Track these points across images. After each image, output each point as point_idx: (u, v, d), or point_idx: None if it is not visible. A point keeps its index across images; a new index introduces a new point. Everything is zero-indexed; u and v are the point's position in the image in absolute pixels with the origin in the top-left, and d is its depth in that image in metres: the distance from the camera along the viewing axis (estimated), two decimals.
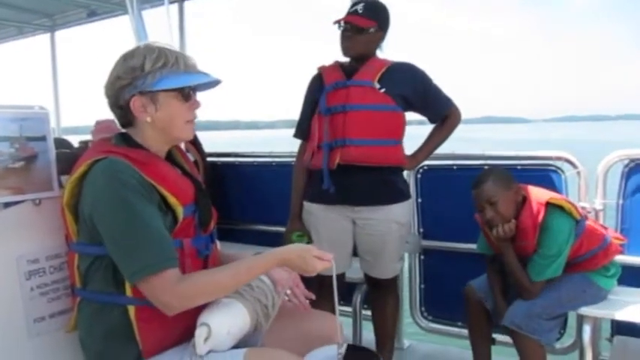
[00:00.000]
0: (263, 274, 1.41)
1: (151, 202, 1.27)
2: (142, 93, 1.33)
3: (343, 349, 1.40)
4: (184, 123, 1.40)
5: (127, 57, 1.36)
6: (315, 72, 2.29)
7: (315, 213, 2.24)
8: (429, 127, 2.34)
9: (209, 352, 1.32)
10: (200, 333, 1.29)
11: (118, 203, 1.24)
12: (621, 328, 2.27)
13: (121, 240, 1.25)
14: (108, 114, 1.46)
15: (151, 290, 1.24)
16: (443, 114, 2.24)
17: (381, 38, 2.19)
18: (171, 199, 1.32)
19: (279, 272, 1.52)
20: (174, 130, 1.39)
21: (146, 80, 1.32)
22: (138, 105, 1.34)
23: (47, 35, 4.98)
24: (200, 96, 1.45)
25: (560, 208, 1.93)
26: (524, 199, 1.98)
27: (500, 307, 2.07)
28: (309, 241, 2.27)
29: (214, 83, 1.47)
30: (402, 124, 2.14)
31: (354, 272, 2.41)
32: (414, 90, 2.14)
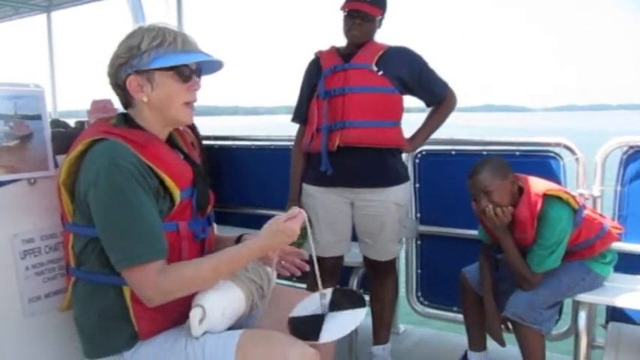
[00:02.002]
0: (245, 266, 1.40)
1: (146, 190, 1.26)
2: (138, 72, 1.32)
3: (327, 299, 1.46)
4: (182, 104, 1.38)
5: (127, 36, 1.35)
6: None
7: (314, 195, 2.24)
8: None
9: (205, 333, 1.32)
10: (194, 314, 1.29)
11: (113, 189, 1.23)
12: (616, 315, 2.28)
13: (111, 226, 1.25)
14: (107, 95, 1.45)
15: (133, 280, 1.25)
16: (439, 97, 2.24)
17: (381, 23, 2.22)
18: (169, 182, 1.31)
19: None
20: (171, 111, 1.37)
21: (142, 59, 1.31)
22: (134, 84, 1.33)
23: (44, 16, 4.93)
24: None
25: (558, 198, 1.93)
26: (522, 190, 1.97)
27: (489, 308, 2.07)
28: (310, 224, 2.26)
29: (217, 65, 1.44)
30: (400, 106, 2.15)
31: (352, 256, 2.41)
32: (411, 72, 2.15)
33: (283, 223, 1.34)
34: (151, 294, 1.25)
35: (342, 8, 2.14)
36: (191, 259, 1.38)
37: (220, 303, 1.33)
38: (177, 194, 1.33)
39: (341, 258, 2.37)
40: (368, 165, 2.14)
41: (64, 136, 1.62)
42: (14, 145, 1.48)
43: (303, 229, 2.24)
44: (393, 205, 2.19)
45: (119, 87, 1.36)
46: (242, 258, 1.35)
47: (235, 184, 3.31)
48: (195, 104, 1.42)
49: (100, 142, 1.29)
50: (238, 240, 1.56)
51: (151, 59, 1.31)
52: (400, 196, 2.22)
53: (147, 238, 1.24)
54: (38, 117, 1.54)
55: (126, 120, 1.39)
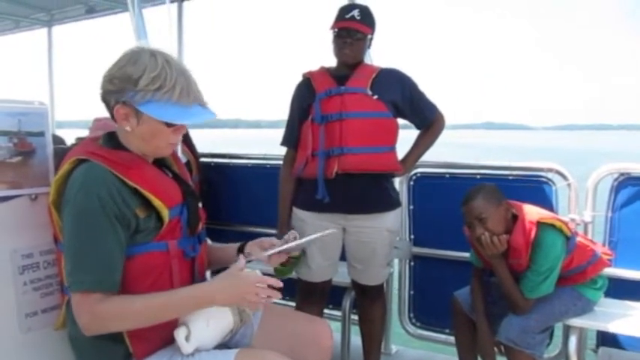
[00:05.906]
0: (176, 316, 1.32)
1: (112, 219, 1.25)
2: (126, 103, 1.29)
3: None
4: (165, 144, 1.38)
5: (129, 61, 1.29)
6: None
7: (306, 220, 2.21)
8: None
9: (200, 352, 1.33)
10: (179, 332, 1.31)
11: (77, 212, 1.25)
12: (606, 340, 2.30)
13: (68, 248, 1.26)
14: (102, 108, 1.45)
15: (75, 305, 1.25)
16: (429, 120, 2.25)
17: (371, 43, 2.22)
18: (156, 202, 1.31)
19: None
20: (150, 147, 1.37)
21: (136, 96, 1.27)
22: (121, 113, 1.30)
23: (44, 30, 4.96)
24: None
25: (552, 226, 1.95)
26: (515, 217, 1.99)
27: (482, 331, 2.09)
28: (304, 252, 2.26)
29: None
30: (395, 130, 2.14)
31: (344, 276, 2.41)
32: (403, 96, 2.15)
33: (239, 271, 1.28)
34: (86, 321, 1.24)
35: (332, 27, 2.12)
36: (182, 277, 1.38)
37: (201, 315, 1.34)
38: (165, 213, 1.32)
39: (329, 280, 2.36)
40: (364, 191, 2.12)
41: (65, 153, 1.64)
42: (17, 161, 1.51)
43: (293, 258, 2.25)
44: (386, 232, 2.18)
45: (108, 106, 1.34)
46: (174, 308, 1.28)
47: (231, 201, 3.32)
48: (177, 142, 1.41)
49: (83, 163, 1.30)
50: (240, 249, 1.56)
51: (145, 101, 1.27)
52: (392, 222, 2.21)
53: (96, 268, 1.23)
54: (41, 134, 1.56)
55: (112, 140, 1.39)
